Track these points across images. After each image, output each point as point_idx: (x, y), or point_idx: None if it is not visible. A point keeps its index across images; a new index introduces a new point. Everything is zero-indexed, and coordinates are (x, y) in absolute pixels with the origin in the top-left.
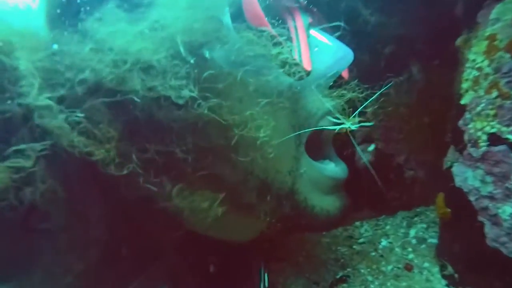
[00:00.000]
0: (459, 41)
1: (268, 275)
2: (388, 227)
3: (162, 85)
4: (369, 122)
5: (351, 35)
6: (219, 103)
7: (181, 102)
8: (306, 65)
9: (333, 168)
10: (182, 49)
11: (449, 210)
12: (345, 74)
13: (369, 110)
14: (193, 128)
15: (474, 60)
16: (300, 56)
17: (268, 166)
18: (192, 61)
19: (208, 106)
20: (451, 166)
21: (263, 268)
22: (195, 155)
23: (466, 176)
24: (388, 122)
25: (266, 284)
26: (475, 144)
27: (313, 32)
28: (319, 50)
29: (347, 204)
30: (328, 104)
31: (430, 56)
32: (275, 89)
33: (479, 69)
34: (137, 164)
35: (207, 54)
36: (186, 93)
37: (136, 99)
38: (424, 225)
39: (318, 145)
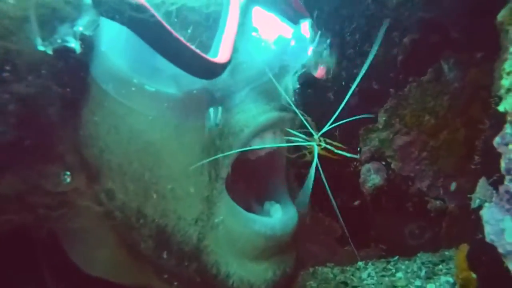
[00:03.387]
0: (501, 16)
1: None
2: (399, 274)
3: None
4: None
5: (355, 20)
6: None
7: None
8: (222, 54)
9: (272, 220)
10: None
11: (473, 276)
12: (319, 73)
13: (380, 117)
14: None
15: None
16: (219, 40)
17: (166, 208)
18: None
19: None
20: (480, 207)
21: None
22: None
23: (503, 228)
24: (407, 134)
25: None
26: None
27: (258, 9)
28: (261, 37)
29: (288, 275)
30: (264, 116)
31: (470, 47)
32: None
33: None
34: None
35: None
36: None
37: None
38: (451, 279)
39: (259, 179)
